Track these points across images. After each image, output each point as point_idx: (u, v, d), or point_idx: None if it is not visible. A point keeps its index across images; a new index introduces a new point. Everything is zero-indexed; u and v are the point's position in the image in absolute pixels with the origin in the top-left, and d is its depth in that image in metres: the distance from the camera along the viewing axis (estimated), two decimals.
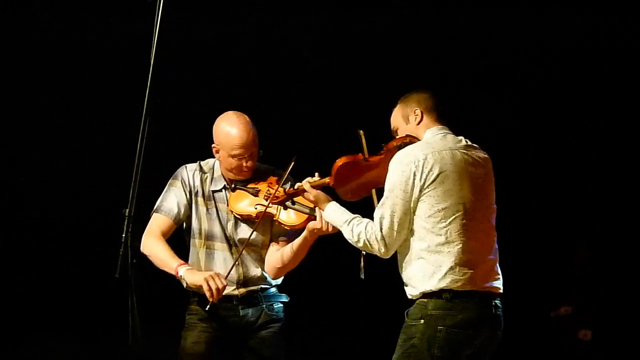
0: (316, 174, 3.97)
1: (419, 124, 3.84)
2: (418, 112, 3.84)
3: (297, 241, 4.10)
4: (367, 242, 3.71)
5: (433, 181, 3.67)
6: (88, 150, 5.75)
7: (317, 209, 3.98)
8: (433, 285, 3.66)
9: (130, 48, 5.46)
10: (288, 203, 4.05)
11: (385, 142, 3.91)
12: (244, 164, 4.11)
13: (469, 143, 3.83)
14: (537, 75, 6.36)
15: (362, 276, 3.95)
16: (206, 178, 4.21)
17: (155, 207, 4.22)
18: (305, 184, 3.96)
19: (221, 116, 4.17)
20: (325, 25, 6.12)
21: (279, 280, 4.28)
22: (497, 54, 6.18)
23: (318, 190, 3.92)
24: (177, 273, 4.07)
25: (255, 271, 4.19)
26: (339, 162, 3.91)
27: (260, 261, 4.21)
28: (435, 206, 3.67)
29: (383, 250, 3.70)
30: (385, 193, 3.73)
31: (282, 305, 4.26)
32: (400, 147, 3.83)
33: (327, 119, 5.97)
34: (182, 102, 5.82)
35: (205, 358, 4.11)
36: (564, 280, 6.78)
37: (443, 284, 3.65)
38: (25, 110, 5.86)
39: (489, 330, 3.69)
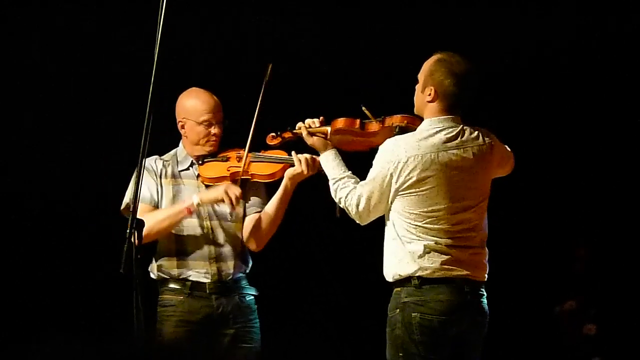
0: (321, 117, 4.04)
1: (428, 102, 3.73)
2: (433, 92, 3.72)
3: (277, 194, 4.13)
4: (345, 207, 3.79)
5: (409, 186, 3.67)
6: (93, 147, 5.76)
7: (293, 154, 4.08)
8: (402, 270, 3.69)
9: (134, 47, 5.47)
10: (262, 156, 4.14)
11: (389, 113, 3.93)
12: (212, 131, 4.19)
13: (468, 134, 3.74)
14: (537, 73, 6.36)
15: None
16: (169, 163, 4.23)
17: (126, 202, 4.18)
18: (304, 129, 4.02)
19: (182, 94, 4.26)
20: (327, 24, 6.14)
21: (249, 266, 4.25)
22: (496, 54, 6.18)
23: (315, 137, 3.99)
24: (192, 203, 4.07)
25: (227, 247, 4.17)
26: (338, 124, 3.98)
27: (233, 238, 4.19)
28: (407, 208, 3.69)
29: (357, 221, 3.80)
30: (369, 174, 3.76)
31: (253, 298, 4.24)
32: (396, 129, 3.85)
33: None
34: None
35: (184, 353, 4.07)
36: (567, 275, 6.78)
37: (411, 270, 3.67)
38: (27, 110, 5.87)
39: (467, 318, 3.68)
